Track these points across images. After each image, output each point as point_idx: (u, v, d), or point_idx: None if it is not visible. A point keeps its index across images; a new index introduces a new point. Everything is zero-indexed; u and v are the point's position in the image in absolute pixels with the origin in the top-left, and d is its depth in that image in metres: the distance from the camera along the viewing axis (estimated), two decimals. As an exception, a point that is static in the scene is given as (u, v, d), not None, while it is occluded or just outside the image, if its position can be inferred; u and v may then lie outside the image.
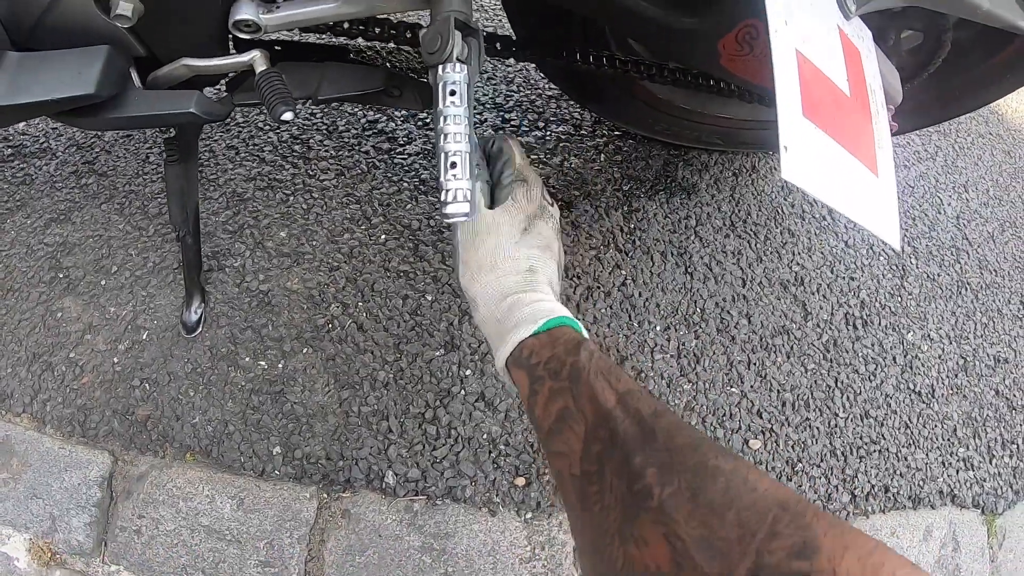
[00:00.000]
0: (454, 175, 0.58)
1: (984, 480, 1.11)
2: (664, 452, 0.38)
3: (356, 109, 1.22)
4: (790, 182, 0.50)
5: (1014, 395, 1.18)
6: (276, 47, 0.81)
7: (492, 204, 0.64)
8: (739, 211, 1.22)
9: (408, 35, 0.78)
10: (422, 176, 1.15)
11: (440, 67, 0.60)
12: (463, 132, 0.59)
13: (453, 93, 0.60)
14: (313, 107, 1.21)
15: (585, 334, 0.55)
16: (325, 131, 1.19)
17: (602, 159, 1.24)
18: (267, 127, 1.18)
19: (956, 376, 1.16)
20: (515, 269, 0.58)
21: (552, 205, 0.65)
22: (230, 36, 0.74)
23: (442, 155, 0.59)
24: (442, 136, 0.59)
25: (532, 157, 1.22)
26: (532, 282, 0.58)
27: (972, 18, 0.71)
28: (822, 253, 1.21)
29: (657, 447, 0.38)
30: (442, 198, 0.58)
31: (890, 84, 0.80)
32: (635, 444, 0.39)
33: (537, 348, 0.51)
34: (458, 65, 0.60)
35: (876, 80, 0.73)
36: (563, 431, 0.45)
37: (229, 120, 1.17)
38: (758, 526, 0.32)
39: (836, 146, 0.60)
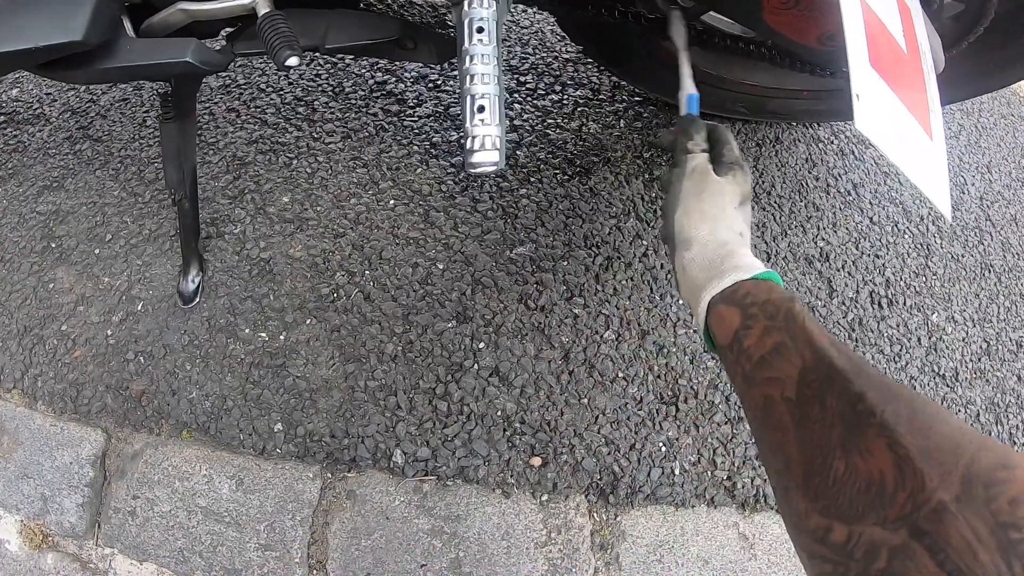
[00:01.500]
0: (482, 120, 0.52)
1: (1006, 466, 1.06)
2: (879, 382, 0.42)
3: (363, 69, 1.15)
4: (862, 132, 0.48)
5: (1035, 382, 1.14)
6: (280, -7, 0.74)
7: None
8: (763, 183, 1.15)
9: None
10: (433, 139, 1.08)
11: (465, 3, 0.54)
12: (492, 73, 0.53)
13: (481, 31, 0.53)
14: (318, 68, 1.13)
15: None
16: (331, 93, 1.12)
17: (622, 125, 1.17)
18: (269, 88, 1.10)
19: (979, 360, 1.11)
20: (732, 228, 0.64)
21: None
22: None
23: (468, 98, 0.52)
24: (468, 78, 0.53)
25: (549, 122, 1.15)
26: (743, 242, 0.64)
27: None
28: (847, 229, 1.15)
29: (872, 379, 0.43)
30: (468, 145, 0.52)
31: (934, 50, 0.75)
32: (853, 375, 0.43)
33: (754, 291, 0.55)
34: (486, 1, 0.54)
35: (925, 41, 0.70)
36: (778, 359, 0.49)
37: (230, 81, 1.10)
38: (968, 443, 0.36)
39: (898, 102, 0.57)
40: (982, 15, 0.82)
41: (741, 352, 0.53)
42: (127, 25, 0.69)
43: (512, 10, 0.84)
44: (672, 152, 0.72)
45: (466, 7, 0.54)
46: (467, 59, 0.53)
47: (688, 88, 0.77)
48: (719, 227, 0.63)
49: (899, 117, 0.56)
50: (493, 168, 0.52)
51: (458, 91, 1.11)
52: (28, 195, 0.98)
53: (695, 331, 0.98)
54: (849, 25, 0.51)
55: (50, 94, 1.09)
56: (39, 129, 1.05)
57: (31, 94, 1.09)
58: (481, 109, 0.52)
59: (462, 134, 0.53)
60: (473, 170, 0.52)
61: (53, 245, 0.94)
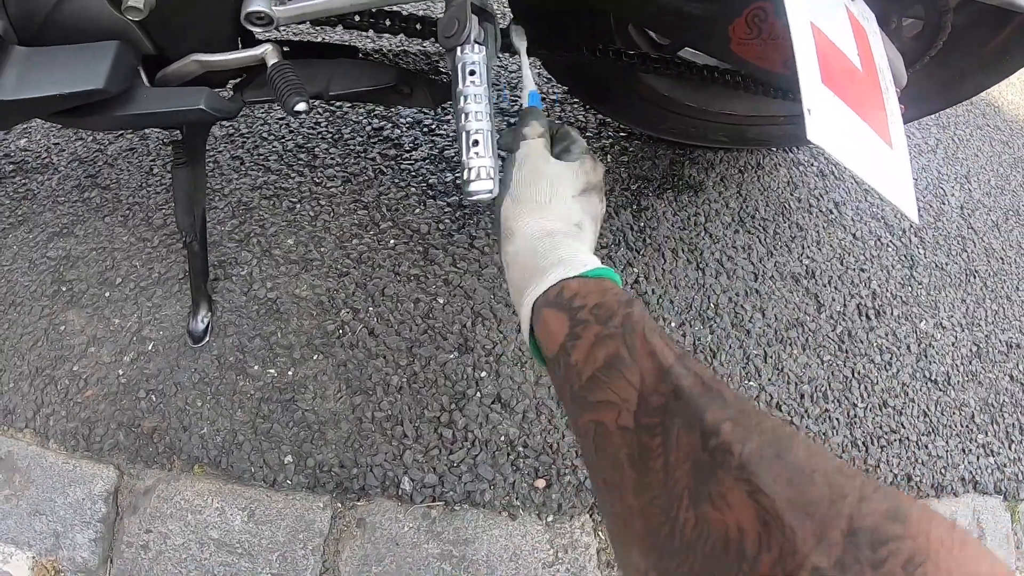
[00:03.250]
0: (476, 153, 0.58)
1: (1005, 466, 1.10)
2: (737, 411, 0.35)
3: (361, 116, 1.22)
4: (815, 143, 0.51)
5: (1029, 381, 1.19)
6: (285, 47, 0.81)
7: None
8: (747, 207, 1.22)
9: (418, 27, 0.78)
10: (429, 181, 1.15)
11: (459, 49, 0.61)
12: (484, 111, 0.59)
13: (472, 73, 0.60)
14: (318, 116, 1.21)
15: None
16: (330, 139, 1.19)
17: (609, 160, 1.25)
18: (271, 136, 1.17)
19: (971, 363, 1.17)
20: (566, 218, 0.56)
21: (605, 197, 0.64)
22: (239, 36, 0.74)
23: (463, 134, 0.59)
24: (463, 116, 0.59)
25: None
26: (578, 235, 0.56)
27: None
28: (831, 246, 1.21)
29: (728, 405, 0.35)
30: (465, 176, 0.58)
31: (896, 66, 0.82)
32: (704, 400, 0.36)
33: (583, 291, 0.47)
34: (476, 46, 0.61)
35: (883, 59, 0.75)
36: (613, 377, 0.41)
37: (233, 131, 1.17)
38: (848, 489, 0.30)
39: (853, 115, 0.61)
40: (940, 30, 0.88)
41: (569, 368, 0.45)
42: (143, 75, 0.75)
43: (499, 56, 0.91)
44: (511, 146, 0.64)
45: (459, 53, 0.61)
46: (461, 99, 0.59)
47: (528, 85, 0.74)
48: (549, 215, 0.56)
49: (854, 129, 0.60)
50: (488, 195, 0.57)
51: (454, 129, 1.18)
52: (38, 241, 1.03)
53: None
54: (799, 47, 0.55)
55: (58, 144, 1.15)
56: (48, 178, 1.10)
57: (39, 144, 1.15)
58: (476, 143, 0.58)
59: (459, 168, 0.58)
60: (471, 198, 0.58)
61: (64, 289, 0.98)
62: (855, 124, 0.61)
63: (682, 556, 0.33)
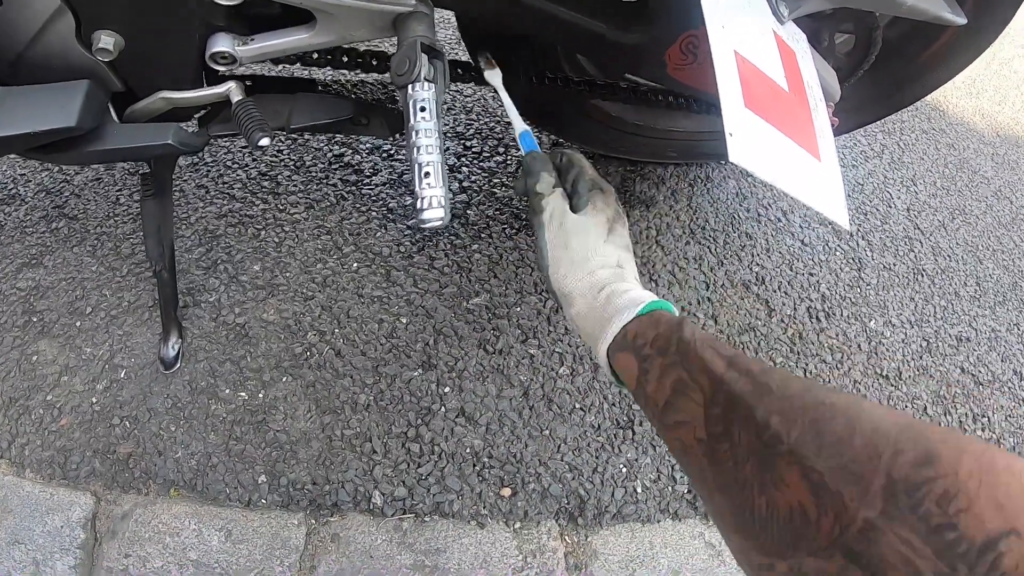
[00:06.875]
0: (428, 184, 0.66)
1: (958, 455, 1.19)
2: (782, 399, 0.43)
3: (322, 144, 1.31)
4: (736, 163, 0.59)
5: (979, 371, 1.29)
6: (247, 82, 0.89)
7: (574, 211, 0.72)
8: (697, 219, 1.33)
9: (374, 63, 0.87)
10: (389, 205, 1.24)
11: (410, 87, 0.69)
12: (434, 144, 0.68)
13: (423, 109, 0.68)
14: (280, 144, 1.29)
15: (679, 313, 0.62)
16: (293, 167, 1.27)
17: (561, 177, 1.34)
18: (236, 165, 1.25)
19: (921, 358, 1.27)
20: (606, 264, 0.66)
21: (624, 213, 0.74)
22: (204, 71, 0.82)
23: (416, 166, 0.67)
24: (415, 149, 0.68)
25: (495, 181, 1.32)
26: (622, 275, 0.66)
27: (898, 14, 0.82)
28: (780, 253, 1.32)
29: (774, 397, 0.44)
30: (418, 205, 0.66)
31: (828, 83, 0.90)
32: (754, 399, 0.44)
33: (641, 330, 0.58)
34: (426, 84, 0.70)
35: (813, 77, 0.82)
36: (682, 400, 0.50)
37: (198, 160, 1.25)
38: (884, 447, 0.37)
39: (778, 134, 0.68)
40: (871, 45, 0.98)
41: (647, 399, 0.55)
42: (112, 111, 0.81)
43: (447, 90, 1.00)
44: (528, 197, 0.74)
45: (410, 90, 0.69)
46: (413, 134, 0.68)
47: (518, 126, 0.82)
48: (589, 272, 0.66)
49: (779, 147, 0.67)
50: (440, 223, 0.66)
51: (407, 160, 1.26)
52: (7, 272, 1.08)
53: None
54: (721, 77, 0.62)
55: (24, 174, 1.20)
56: (15, 209, 1.15)
57: (5, 175, 1.20)
58: (427, 175, 0.66)
59: (413, 197, 0.66)
60: (424, 225, 0.66)
61: (35, 319, 1.04)
62: (780, 142, 0.68)
63: (765, 531, 0.41)
